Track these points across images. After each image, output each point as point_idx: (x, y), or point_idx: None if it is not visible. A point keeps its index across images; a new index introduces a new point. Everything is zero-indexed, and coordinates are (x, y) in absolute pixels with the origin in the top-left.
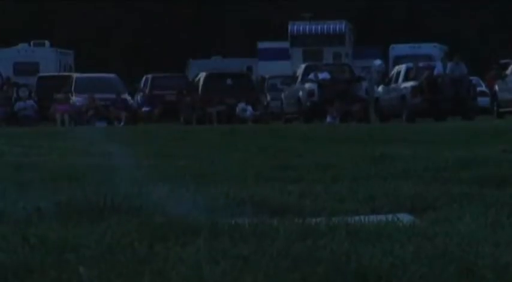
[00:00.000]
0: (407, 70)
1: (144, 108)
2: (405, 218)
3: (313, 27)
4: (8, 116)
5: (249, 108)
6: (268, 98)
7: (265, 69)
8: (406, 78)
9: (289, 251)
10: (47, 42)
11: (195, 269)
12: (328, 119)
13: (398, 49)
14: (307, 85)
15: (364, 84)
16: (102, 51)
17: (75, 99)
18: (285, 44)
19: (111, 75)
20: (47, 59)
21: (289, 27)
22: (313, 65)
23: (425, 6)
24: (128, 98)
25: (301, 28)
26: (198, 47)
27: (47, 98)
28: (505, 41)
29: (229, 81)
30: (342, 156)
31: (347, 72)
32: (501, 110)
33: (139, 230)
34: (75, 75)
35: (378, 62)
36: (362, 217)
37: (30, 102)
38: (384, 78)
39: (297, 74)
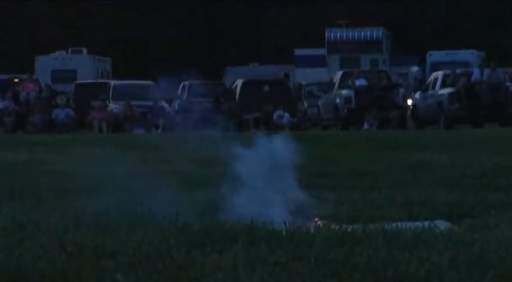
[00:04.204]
0: (445, 77)
1: (182, 115)
2: (442, 225)
3: (350, 34)
4: (46, 123)
5: (286, 115)
6: (305, 104)
7: (302, 76)
8: (444, 85)
9: (326, 257)
10: (84, 50)
11: (232, 275)
12: (365, 125)
13: (435, 56)
14: (344, 92)
15: (402, 91)
16: (140, 58)
17: (112, 106)
18: (322, 51)
19: (149, 82)
20: (85, 66)
21: (326, 34)
22: (350, 72)
23: (463, 12)
24: (165, 105)
25: (338, 35)
26: (235, 54)
27: (85, 105)
28: None
29: (266, 88)
30: (379, 163)
31: (384, 79)
32: None
33: (176, 237)
34: (112, 82)
35: (415, 68)
36: (399, 224)
37: (68, 109)
38: (421, 84)
39: (334, 80)
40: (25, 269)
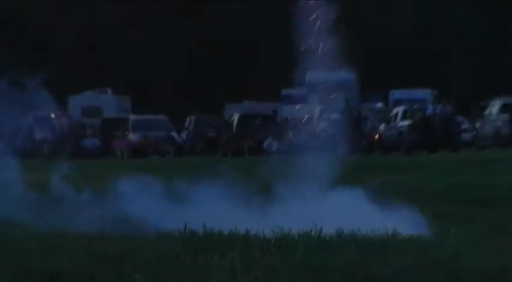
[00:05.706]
0: (404, 111)
1: (188, 144)
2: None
3: (327, 76)
4: (76, 151)
5: (275, 143)
6: (291, 135)
7: (288, 111)
8: (404, 118)
9: (308, 261)
10: (109, 90)
11: (231, 276)
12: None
13: (397, 94)
14: (322, 124)
15: (369, 123)
16: (155, 96)
17: (132, 136)
18: (304, 90)
19: (162, 117)
20: (109, 103)
21: (307, 77)
22: (326, 108)
23: (419, 56)
24: (175, 135)
25: (316, 77)
26: (233, 93)
27: (109, 136)
28: (490, 82)
29: (258, 121)
30: (348, 182)
31: (354, 113)
32: (482, 144)
33: (184, 244)
34: (131, 116)
35: (379, 104)
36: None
37: (95, 139)
38: (385, 118)
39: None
40: (58, 269)
